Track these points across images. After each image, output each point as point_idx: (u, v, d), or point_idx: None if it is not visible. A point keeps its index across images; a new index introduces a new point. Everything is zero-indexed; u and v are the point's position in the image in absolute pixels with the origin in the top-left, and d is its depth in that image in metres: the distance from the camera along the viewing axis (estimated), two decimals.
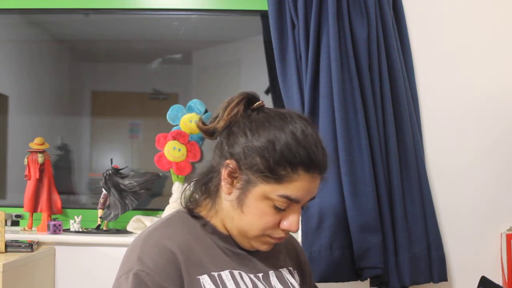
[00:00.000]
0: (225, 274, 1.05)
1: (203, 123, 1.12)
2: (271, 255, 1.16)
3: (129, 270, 1.00)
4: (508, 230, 1.79)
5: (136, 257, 1.01)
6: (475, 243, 1.81)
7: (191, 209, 1.13)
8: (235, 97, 1.10)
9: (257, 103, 1.10)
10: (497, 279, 1.76)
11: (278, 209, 1.05)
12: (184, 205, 1.15)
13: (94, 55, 2.31)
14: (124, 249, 1.08)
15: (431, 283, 1.70)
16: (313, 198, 1.10)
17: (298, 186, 1.04)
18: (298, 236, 1.72)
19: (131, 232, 1.86)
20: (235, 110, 1.08)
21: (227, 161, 1.06)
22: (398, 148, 1.70)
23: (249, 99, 1.10)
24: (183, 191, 1.16)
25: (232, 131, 1.08)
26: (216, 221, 1.12)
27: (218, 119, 1.10)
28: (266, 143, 1.03)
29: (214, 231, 1.11)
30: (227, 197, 1.08)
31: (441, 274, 1.69)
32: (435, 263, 1.69)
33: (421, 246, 1.68)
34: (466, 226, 1.82)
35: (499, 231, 1.80)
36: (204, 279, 1.02)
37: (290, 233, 1.16)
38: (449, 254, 1.78)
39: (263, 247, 1.10)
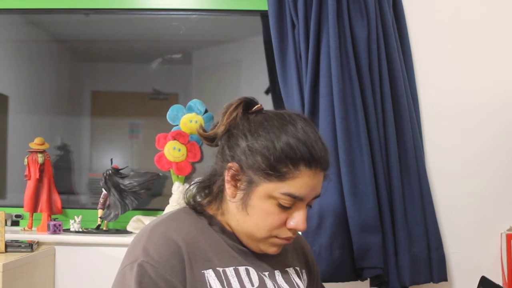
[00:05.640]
0: (230, 271, 1.05)
1: (204, 130, 1.13)
2: (278, 254, 1.15)
3: (134, 260, 1.00)
4: (508, 230, 1.79)
5: (142, 247, 1.01)
6: (475, 243, 1.81)
7: (196, 207, 1.13)
8: (233, 101, 1.11)
9: (256, 106, 1.11)
10: (497, 279, 1.76)
11: (283, 208, 1.05)
12: (187, 203, 1.15)
13: (94, 55, 2.31)
14: (124, 249, 1.08)
15: (431, 283, 1.70)
16: (317, 196, 1.09)
17: (301, 182, 1.03)
18: None
19: (131, 232, 1.86)
20: (234, 114, 1.09)
21: (229, 164, 1.07)
22: (398, 148, 1.70)
23: (248, 103, 1.11)
24: (185, 192, 1.16)
25: (232, 134, 1.09)
26: (222, 221, 1.12)
27: (218, 124, 1.11)
28: (266, 142, 1.04)
29: (221, 228, 1.10)
30: (232, 200, 1.08)
31: (441, 274, 1.69)
32: (435, 263, 1.69)
33: (421, 246, 1.68)
34: (466, 226, 1.82)
35: (499, 231, 1.80)
36: (209, 274, 1.02)
37: (299, 233, 1.15)
38: (449, 254, 1.78)
39: (272, 250, 1.10)
